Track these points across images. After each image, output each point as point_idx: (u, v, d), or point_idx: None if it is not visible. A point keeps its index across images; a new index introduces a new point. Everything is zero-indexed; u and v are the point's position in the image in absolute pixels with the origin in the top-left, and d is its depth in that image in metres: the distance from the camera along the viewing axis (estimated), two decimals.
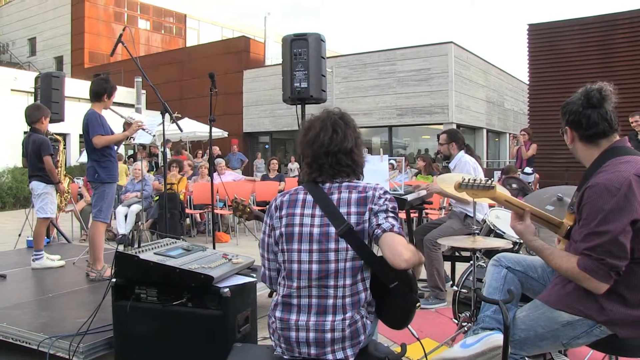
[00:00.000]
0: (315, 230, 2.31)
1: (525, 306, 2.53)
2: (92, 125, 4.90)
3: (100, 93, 5.07)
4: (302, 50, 5.13)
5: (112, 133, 5.12)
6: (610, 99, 2.40)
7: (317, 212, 2.35)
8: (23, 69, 27.67)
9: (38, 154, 5.63)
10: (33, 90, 8.04)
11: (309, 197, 2.40)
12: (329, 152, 2.40)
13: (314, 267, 2.28)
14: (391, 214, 2.33)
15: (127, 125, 5.25)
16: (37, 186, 5.74)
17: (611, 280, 2.19)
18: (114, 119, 5.37)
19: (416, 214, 7.27)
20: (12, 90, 19.32)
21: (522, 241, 2.77)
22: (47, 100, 7.06)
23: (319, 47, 5.19)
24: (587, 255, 2.21)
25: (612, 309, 2.25)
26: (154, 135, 6.01)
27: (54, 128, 6.57)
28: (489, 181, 2.54)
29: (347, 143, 2.41)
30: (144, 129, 5.43)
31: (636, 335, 2.28)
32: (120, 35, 5.23)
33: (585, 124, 2.39)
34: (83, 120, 4.98)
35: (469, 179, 2.56)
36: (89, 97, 5.18)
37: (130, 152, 17.80)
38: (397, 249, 2.21)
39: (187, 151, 16.31)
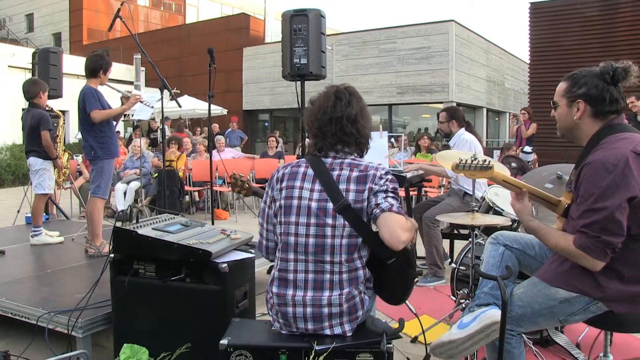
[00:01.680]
0: (314, 204, 2.31)
1: (523, 283, 2.54)
2: (89, 100, 4.85)
3: (96, 69, 5.01)
4: (302, 26, 5.07)
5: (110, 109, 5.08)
6: (629, 80, 2.36)
7: (317, 186, 2.34)
8: (21, 45, 27.45)
9: (36, 129, 5.60)
10: (30, 66, 7.97)
11: (310, 171, 2.39)
12: (332, 118, 2.40)
13: (311, 240, 2.28)
14: (391, 194, 2.33)
15: (124, 99, 5.21)
16: (34, 162, 5.72)
17: (607, 258, 2.19)
18: (112, 96, 5.33)
19: (415, 192, 7.27)
20: (9, 66, 19.20)
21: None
22: (44, 76, 7.01)
23: (319, 23, 5.13)
24: (583, 233, 2.21)
25: (608, 286, 2.26)
26: (152, 107, 5.97)
27: (52, 104, 6.53)
28: (487, 161, 2.52)
29: (352, 110, 2.41)
30: (142, 102, 5.39)
31: (632, 311, 2.30)
32: (118, 10, 5.16)
33: (609, 99, 2.35)
34: (79, 96, 4.93)
35: (466, 160, 2.53)
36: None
37: (130, 129, 17.74)
38: (395, 230, 2.21)
39: (187, 129, 16.25)
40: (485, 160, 2.51)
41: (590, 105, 2.39)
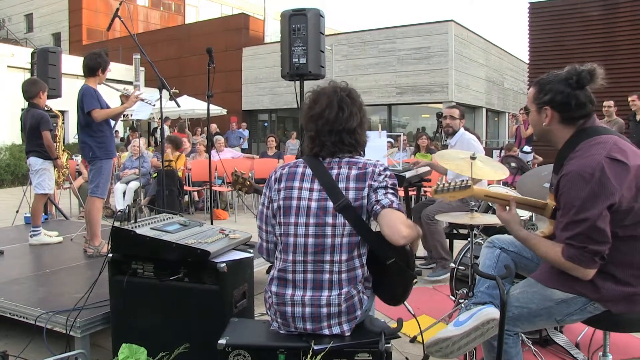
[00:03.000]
0: (313, 204, 2.30)
1: (519, 284, 2.54)
2: (88, 99, 4.84)
3: (95, 68, 4.99)
4: (301, 25, 5.08)
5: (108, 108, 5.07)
6: (597, 83, 2.35)
7: (316, 186, 2.34)
8: (20, 45, 27.42)
9: (37, 129, 5.60)
10: (30, 66, 7.97)
11: (308, 171, 2.39)
12: (332, 130, 2.38)
13: (310, 241, 2.28)
14: (390, 190, 2.33)
15: (124, 98, 5.20)
16: (34, 162, 5.72)
17: (597, 265, 2.20)
18: (110, 95, 5.31)
19: (414, 192, 7.27)
20: (8, 66, 19.18)
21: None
22: (43, 76, 7.00)
23: (317, 23, 5.14)
24: (569, 245, 2.21)
25: (604, 286, 2.26)
26: (153, 105, 5.95)
27: (51, 104, 6.52)
28: (464, 181, 2.50)
29: (352, 122, 2.39)
30: (143, 100, 5.37)
31: (629, 310, 2.30)
32: (117, 10, 5.16)
33: (575, 104, 2.34)
34: (78, 95, 4.92)
35: (443, 184, 2.52)
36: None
37: (129, 129, 17.72)
38: (396, 226, 2.21)
39: (187, 129, 16.23)
40: (463, 180, 2.49)
41: (557, 112, 2.39)
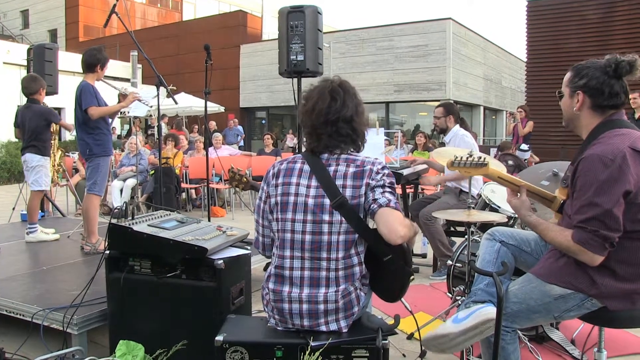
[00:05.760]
0: (310, 200, 2.30)
1: (518, 279, 2.54)
2: (86, 96, 4.82)
3: (94, 64, 4.98)
4: (299, 22, 5.06)
5: (106, 105, 5.06)
6: (635, 74, 2.34)
7: (313, 182, 2.33)
8: (16, 41, 27.29)
9: (41, 125, 5.61)
10: (26, 62, 7.95)
11: (306, 167, 2.38)
12: (327, 120, 2.36)
13: (307, 237, 2.28)
14: (388, 189, 2.32)
15: (122, 96, 5.19)
16: (31, 158, 5.69)
17: (605, 252, 2.20)
18: (107, 92, 5.30)
19: (412, 189, 7.26)
20: (4, 63, 19.12)
21: (517, 216, 2.76)
22: (40, 72, 6.96)
23: (315, 20, 5.13)
24: (581, 228, 2.21)
25: (603, 283, 2.26)
26: (151, 106, 5.94)
27: (48, 101, 6.50)
28: (482, 158, 2.51)
29: (347, 111, 2.36)
30: (140, 100, 5.37)
31: (626, 307, 2.30)
32: (114, 6, 5.13)
33: (608, 93, 2.34)
34: (76, 92, 4.90)
35: (461, 157, 2.52)
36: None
37: (126, 127, 17.68)
38: (393, 225, 2.20)
39: (184, 126, 16.20)
40: (480, 157, 2.50)
41: (589, 97, 2.39)
